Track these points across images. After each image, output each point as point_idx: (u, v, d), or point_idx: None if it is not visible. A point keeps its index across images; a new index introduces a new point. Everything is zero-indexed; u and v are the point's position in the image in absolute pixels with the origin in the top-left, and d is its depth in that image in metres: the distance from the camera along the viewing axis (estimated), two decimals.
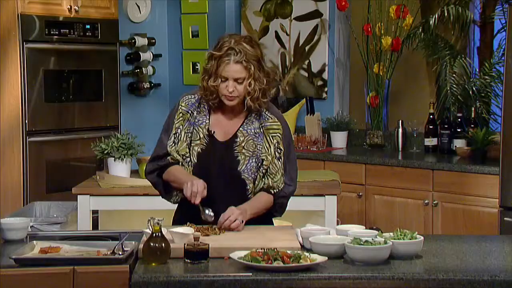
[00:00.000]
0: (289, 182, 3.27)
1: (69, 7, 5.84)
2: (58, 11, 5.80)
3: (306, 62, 6.41)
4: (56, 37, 5.79)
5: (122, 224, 4.68)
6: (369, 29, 5.96)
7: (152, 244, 2.75)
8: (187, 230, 2.96)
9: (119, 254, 2.79)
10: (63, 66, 5.88)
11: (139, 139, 4.79)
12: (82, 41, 5.96)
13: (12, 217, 3.46)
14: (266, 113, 3.25)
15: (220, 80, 3.15)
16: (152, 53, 6.81)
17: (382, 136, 6.04)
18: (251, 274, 2.63)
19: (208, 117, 3.25)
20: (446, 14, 5.58)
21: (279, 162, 3.23)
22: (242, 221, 3.09)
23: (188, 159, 3.22)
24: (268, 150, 3.22)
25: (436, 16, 5.63)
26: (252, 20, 6.64)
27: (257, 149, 3.22)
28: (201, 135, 3.23)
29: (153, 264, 2.73)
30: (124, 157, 4.63)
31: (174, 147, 3.24)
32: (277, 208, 3.29)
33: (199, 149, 3.22)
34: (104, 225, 4.72)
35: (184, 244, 2.79)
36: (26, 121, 5.63)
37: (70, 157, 5.92)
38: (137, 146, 4.68)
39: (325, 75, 6.35)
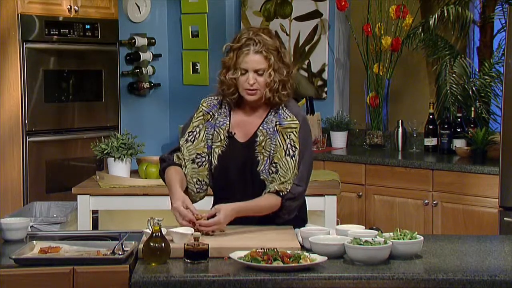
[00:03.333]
0: (298, 182, 3.16)
1: (69, 7, 5.83)
2: (58, 11, 5.80)
3: (306, 62, 6.42)
4: (56, 37, 5.79)
5: (122, 224, 4.68)
6: (369, 29, 5.96)
7: (152, 244, 2.75)
8: (187, 230, 2.96)
9: (119, 254, 2.79)
10: (63, 66, 5.88)
11: (139, 139, 4.79)
12: (82, 41, 5.96)
13: (12, 217, 3.46)
14: (286, 111, 3.18)
15: (239, 72, 3.10)
16: (152, 53, 6.81)
17: (382, 136, 6.04)
18: (251, 274, 2.63)
19: (228, 118, 3.21)
20: (446, 14, 5.58)
21: (292, 160, 3.14)
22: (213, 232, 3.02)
23: (204, 159, 3.20)
24: (281, 147, 3.15)
25: (436, 16, 5.63)
26: (252, 20, 6.64)
27: (271, 147, 3.17)
28: (222, 137, 3.20)
29: (153, 264, 2.73)
30: (124, 157, 4.63)
31: (188, 145, 3.21)
32: (284, 211, 3.18)
33: (219, 151, 3.20)
34: (104, 225, 4.72)
35: (184, 244, 2.79)
36: (26, 121, 5.63)
37: (70, 157, 5.92)
38: (137, 146, 4.68)
39: (325, 75, 6.35)
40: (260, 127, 3.19)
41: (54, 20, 5.78)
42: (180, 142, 3.23)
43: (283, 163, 3.15)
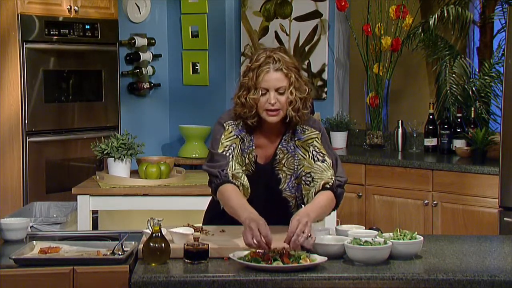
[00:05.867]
0: (339, 174, 3.16)
1: (69, 7, 5.84)
2: (57, 11, 5.80)
3: (306, 62, 6.41)
4: (56, 37, 5.79)
5: (122, 224, 4.68)
6: (369, 29, 5.96)
7: (152, 244, 2.75)
8: (187, 230, 2.96)
9: (119, 254, 2.79)
10: (63, 66, 5.88)
11: (139, 139, 4.79)
12: (82, 41, 5.96)
13: (12, 217, 3.46)
14: (303, 126, 3.15)
15: (260, 92, 3.03)
16: (152, 53, 6.81)
17: (382, 136, 6.05)
18: (251, 274, 2.63)
19: (253, 142, 3.15)
20: (446, 14, 5.58)
21: (324, 164, 3.11)
22: (310, 236, 2.81)
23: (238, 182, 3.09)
24: (307, 157, 3.12)
25: (436, 16, 5.63)
26: (252, 20, 6.64)
27: (295, 164, 3.14)
28: (247, 161, 3.14)
29: (153, 264, 2.73)
30: (124, 157, 4.63)
31: (234, 161, 3.09)
32: (338, 201, 3.13)
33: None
34: (104, 225, 4.72)
35: (184, 244, 2.79)
36: (26, 121, 5.63)
37: (70, 157, 5.92)
38: (136, 146, 4.68)
39: (325, 75, 6.35)
40: (279, 146, 3.15)
41: (54, 20, 5.78)
42: (229, 158, 3.07)
43: (315, 168, 3.11)
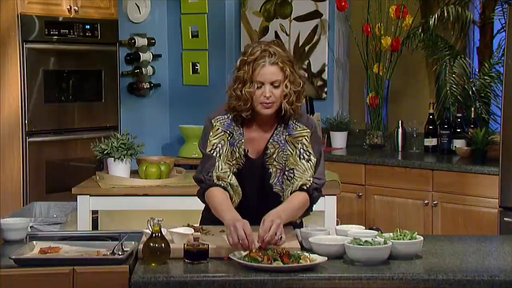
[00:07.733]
0: (317, 176, 3.15)
1: (69, 7, 5.83)
2: (57, 11, 5.80)
3: (306, 62, 6.41)
4: (56, 37, 5.79)
5: (122, 224, 4.68)
6: (369, 29, 5.96)
7: (152, 244, 2.75)
8: (187, 230, 2.96)
9: (119, 255, 2.79)
10: (63, 66, 5.88)
11: (139, 139, 4.78)
12: (82, 41, 5.95)
13: (12, 217, 3.46)
14: (295, 122, 3.15)
15: (255, 85, 3.05)
16: (152, 54, 6.81)
17: (382, 136, 6.05)
18: (251, 274, 2.63)
19: (243, 135, 3.16)
20: (446, 14, 5.58)
21: (308, 164, 3.11)
22: (281, 237, 2.84)
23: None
24: (294, 154, 3.12)
25: (436, 16, 5.63)
26: (252, 21, 6.64)
27: (284, 159, 3.14)
28: (237, 155, 3.15)
29: (153, 264, 2.73)
30: (124, 157, 4.62)
31: (222, 161, 3.11)
32: (312, 204, 3.15)
33: (235, 169, 3.15)
34: (104, 225, 4.72)
35: (184, 244, 2.79)
36: (26, 121, 5.62)
37: (70, 157, 5.92)
38: (136, 146, 4.68)
39: (324, 75, 6.35)
40: (271, 140, 3.16)
41: (54, 20, 5.77)
42: (215, 158, 3.11)
43: (299, 166, 3.11)
